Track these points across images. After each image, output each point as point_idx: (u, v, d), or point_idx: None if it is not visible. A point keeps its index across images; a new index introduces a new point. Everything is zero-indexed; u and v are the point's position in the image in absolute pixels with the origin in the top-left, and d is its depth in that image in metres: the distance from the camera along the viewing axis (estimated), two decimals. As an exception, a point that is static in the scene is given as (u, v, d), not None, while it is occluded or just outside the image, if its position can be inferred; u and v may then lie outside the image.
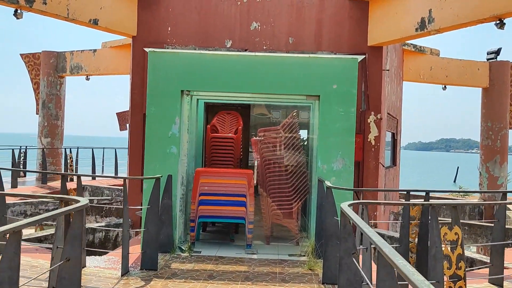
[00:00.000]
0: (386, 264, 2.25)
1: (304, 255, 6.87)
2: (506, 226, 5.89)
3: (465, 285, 4.25)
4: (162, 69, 7.10)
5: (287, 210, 7.92)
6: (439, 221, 4.20)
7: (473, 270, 6.08)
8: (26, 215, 11.45)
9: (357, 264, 3.54)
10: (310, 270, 6.21)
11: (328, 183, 6.02)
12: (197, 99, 8.22)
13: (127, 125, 10.74)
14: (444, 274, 4.18)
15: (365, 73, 8.82)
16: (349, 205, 3.67)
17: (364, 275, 3.43)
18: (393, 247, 2.47)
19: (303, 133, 9.02)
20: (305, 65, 7.13)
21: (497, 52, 14.37)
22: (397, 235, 8.64)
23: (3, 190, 5.83)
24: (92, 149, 17.61)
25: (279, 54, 7.83)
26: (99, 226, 8.46)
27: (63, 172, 15.82)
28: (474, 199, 15.62)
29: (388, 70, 9.83)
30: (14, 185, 13.53)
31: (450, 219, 4.30)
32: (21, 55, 16.58)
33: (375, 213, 9.16)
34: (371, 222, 8.09)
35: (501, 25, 6.74)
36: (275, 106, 11.29)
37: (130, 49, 9.48)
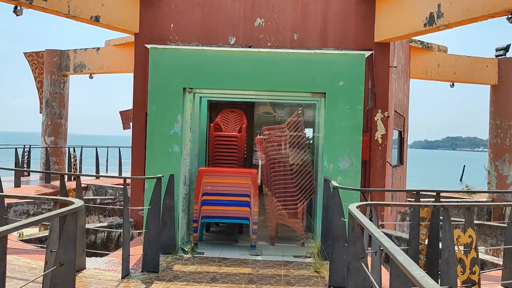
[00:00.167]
0: (400, 273, 2.08)
1: (310, 257, 6.69)
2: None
3: (479, 290, 4.06)
4: (163, 66, 6.95)
5: (292, 210, 7.74)
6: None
7: (484, 272, 5.87)
8: (28, 215, 11.34)
9: (366, 269, 3.36)
10: (316, 272, 6.03)
11: (334, 183, 5.84)
12: (200, 97, 8.06)
13: (131, 123, 10.60)
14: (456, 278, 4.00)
15: (372, 70, 8.62)
16: (357, 207, 3.49)
17: (374, 281, 3.25)
18: (402, 249, 2.29)
19: (308, 132, 8.83)
20: (311, 62, 6.94)
21: (506, 48, 14.09)
22: (404, 235, 8.43)
23: (2, 191, 5.69)
24: (96, 148, 17.50)
25: (283, 51, 7.64)
26: (98, 227, 8.31)
27: (66, 171, 15.71)
28: (482, 198, 15.35)
29: (395, 67, 9.62)
30: (17, 184, 13.43)
31: (458, 219, 4.11)
32: (25, 53, 16.49)
33: (382, 213, 8.96)
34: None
35: (513, 19, 6.53)
36: (280, 104, 11.11)
37: (133, 46, 9.33)
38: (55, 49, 15.70)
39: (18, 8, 7.31)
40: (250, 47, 8.55)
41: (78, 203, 3.15)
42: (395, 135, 11.01)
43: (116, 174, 17.08)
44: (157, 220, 5.98)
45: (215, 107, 9.77)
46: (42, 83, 15.97)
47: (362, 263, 3.45)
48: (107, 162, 19.13)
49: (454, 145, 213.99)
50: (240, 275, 5.86)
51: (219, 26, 8.77)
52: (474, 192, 13.67)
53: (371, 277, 3.32)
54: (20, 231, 7.66)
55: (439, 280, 4.08)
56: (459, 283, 3.94)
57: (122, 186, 12.24)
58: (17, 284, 4.98)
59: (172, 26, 8.83)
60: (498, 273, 5.68)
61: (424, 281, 1.62)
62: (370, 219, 3.67)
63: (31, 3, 7.19)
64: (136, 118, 8.92)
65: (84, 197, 13.18)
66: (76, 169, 15.80)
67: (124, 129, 15.20)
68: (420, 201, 5.39)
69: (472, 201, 13.64)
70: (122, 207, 5.75)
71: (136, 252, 6.34)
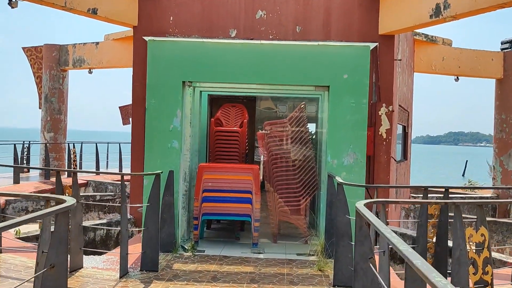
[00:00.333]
0: (416, 279, 1.90)
1: (314, 255, 6.53)
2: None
3: (492, 291, 3.88)
4: (162, 59, 6.76)
5: (295, 206, 7.57)
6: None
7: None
8: (27, 212, 11.20)
9: (375, 270, 3.18)
10: (320, 271, 5.86)
11: (339, 179, 5.65)
12: (200, 91, 7.86)
13: (130, 119, 10.42)
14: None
15: (376, 63, 8.41)
16: (364, 204, 3.30)
17: (383, 282, 3.08)
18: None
19: (310, 128, 8.64)
20: (314, 54, 6.75)
21: (512, 41, 13.86)
22: (410, 232, 8.27)
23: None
24: (96, 144, 17.34)
25: (286, 42, 7.43)
26: (96, 225, 8.11)
27: (66, 167, 15.56)
28: (486, 193, 15.15)
29: (400, 60, 9.41)
30: (16, 180, 13.29)
31: (464, 215, 3.92)
32: (23, 48, 16.31)
33: (386, 210, 8.77)
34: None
35: (523, 9, 6.31)
36: (282, 99, 10.91)
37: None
38: (54, 43, 15.50)
39: (13, 0, 7.12)
40: (251, 39, 8.35)
41: (70, 201, 2.97)
42: (399, 130, 10.81)
43: (117, 170, 16.93)
44: (156, 218, 5.81)
45: (215, 102, 9.57)
46: (41, 79, 15.79)
47: (370, 264, 3.27)
48: (107, 158, 18.98)
49: (456, 140, 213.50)
50: (241, 274, 5.69)
51: (219, 18, 8.56)
52: (482, 188, 13.46)
53: (379, 278, 3.15)
54: (17, 228, 7.50)
55: (449, 280, 3.90)
56: (471, 284, 3.77)
57: (124, 182, 12.09)
58: (12, 284, 4.82)
59: (171, 18, 8.62)
60: (508, 271, 5.52)
61: (447, 291, 1.44)
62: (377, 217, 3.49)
63: (26, -6, 7.00)
64: (135, 113, 8.73)
65: (84, 194, 13.08)
66: (76, 165, 15.64)
67: (123, 124, 15.02)
68: (428, 198, 5.20)
69: (482, 197, 13.41)
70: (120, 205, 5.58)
71: (135, 249, 6.17)
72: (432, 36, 12.93)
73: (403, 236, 7.91)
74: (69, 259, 5.47)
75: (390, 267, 4.07)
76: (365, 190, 7.02)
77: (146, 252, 5.70)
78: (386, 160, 8.65)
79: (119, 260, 5.54)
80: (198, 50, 6.83)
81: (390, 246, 3.32)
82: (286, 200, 7.51)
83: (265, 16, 8.51)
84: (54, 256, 2.83)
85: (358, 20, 8.49)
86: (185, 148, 7.09)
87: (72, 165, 15.21)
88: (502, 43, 14.19)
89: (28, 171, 16.08)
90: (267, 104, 11.20)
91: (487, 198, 13.47)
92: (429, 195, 11.09)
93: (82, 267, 5.59)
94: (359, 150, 6.61)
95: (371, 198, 6.64)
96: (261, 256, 6.58)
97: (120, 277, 5.32)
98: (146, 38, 6.90)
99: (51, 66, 15.38)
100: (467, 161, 55.27)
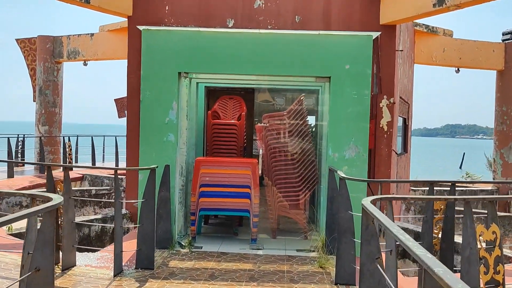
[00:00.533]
0: (437, 287, 1.71)
1: (314, 251, 6.35)
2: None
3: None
4: (157, 49, 6.52)
5: (294, 201, 7.38)
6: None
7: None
8: (21, 207, 11.01)
9: (383, 271, 3.00)
10: (321, 268, 5.68)
11: (341, 173, 5.46)
12: (197, 83, 7.64)
13: (126, 111, 10.19)
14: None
15: (378, 53, 8.19)
16: (371, 201, 3.11)
17: (391, 283, 2.89)
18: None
19: (310, 120, 8.43)
20: (315, 44, 6.51)
21: (514, 32, 13.65)
22: (411, 227, 8.11)
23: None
24: (92, 137, 17.10)
25: (286, 32, 7.18)
26: (90, 221, 7.89)
27: (61, 161, 15.33)
28: (486, 186, 15.01)
29: (401, 50, 9.20)
30: (10, 175, 13.07)
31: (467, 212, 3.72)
32: (17, 40, 16.00)
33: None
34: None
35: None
36: (280, 91, 10.69)
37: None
38: (47, 35, 15.20)
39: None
40: (249, 29, 8.10)
41: (56, 199, 2.77)
42: (399, 122, 10.62)
43: (113, 164, 16.70)
44: (151, 214, 5.61)
45: (213, 94, 9.33)
46: (35, 71, 15.50)
47: (378, 265, 3.09)
48: (103, 152, 18.74)
49: (453, 133, 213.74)
50: (240, 271, 5.51)
51: (216, 8, 8.31)
52: (487, 182, 13.28)
53: (387, 279, 2.96)
54: (9, 224, 7.29)
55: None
56: (481, 284, 3.59)
57: (120, 176, 11.89)
58: (4, 283, 4.63)
59: (167, 8, 8.37)
60: (514, 267, 5.35)
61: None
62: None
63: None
64: (130, 105, 8.51)
65: (80, 188, 12.86)
66: (72, 159, 15.41)
67: (119, 117, 14.78)
68: (433, 193, 5.02)
69: (490, 192, 13.24)
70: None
71: (131, 246, 5.98)
72: (433, 27, 12.70)
73: (406, 231, 7.75)
74: (61, 257, 5.29)
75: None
76: (367, 185, 6.83)
77: (141, 249, 5.51)
78: (387, 153, 8.47)
79: (113, 257, 5.35)
80: (195, 40, 6.59)
81: (397, 243, 3.14)
82: (286, 194, 7.33)
83: (263, 5, 8.26)
84: (39, 258, 2.63)
85: (359, 9, 8.26)
86: (181, 141, 6.88)
87: (67, 159, 14.98)
88: (503, 34, 13.99)
89: (23, 165, 15.84)
90: (265, 97, 10.98)
91: (491, 192, 13.31)
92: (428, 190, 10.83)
93: (75, 265, 5.40)
94: (361, 143, 6.41)
95: (373, 193, 6.46)
96: (260, 252, 6.40)
97: (114, 276, 5.13)
98: (140, 28, 6.66)
99: (45, 58, 15.09)
100: (464, 153, 55.26)
